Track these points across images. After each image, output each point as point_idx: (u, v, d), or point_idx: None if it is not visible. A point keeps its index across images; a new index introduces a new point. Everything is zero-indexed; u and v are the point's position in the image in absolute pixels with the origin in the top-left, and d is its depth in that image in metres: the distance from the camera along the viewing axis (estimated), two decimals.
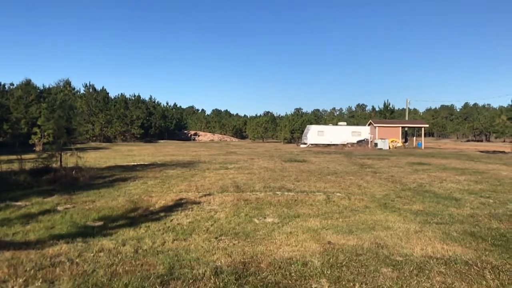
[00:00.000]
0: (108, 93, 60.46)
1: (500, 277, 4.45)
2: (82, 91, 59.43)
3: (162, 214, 7.69)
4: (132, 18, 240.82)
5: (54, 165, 12.79)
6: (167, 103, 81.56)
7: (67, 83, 56.76)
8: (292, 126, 62.21)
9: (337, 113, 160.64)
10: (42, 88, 46.28)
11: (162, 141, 61.27)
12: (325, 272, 4.52)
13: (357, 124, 70.24)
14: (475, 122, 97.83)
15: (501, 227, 6.92)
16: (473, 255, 5.26)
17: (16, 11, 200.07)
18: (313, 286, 4.14)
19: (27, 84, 41.58)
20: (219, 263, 4.76)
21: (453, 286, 4.18)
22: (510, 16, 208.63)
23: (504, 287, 4.16)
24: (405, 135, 51.53)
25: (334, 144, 44.00)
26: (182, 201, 8.95)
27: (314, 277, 4.38)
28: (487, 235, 6.33)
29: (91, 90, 59.59)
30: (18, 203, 8.53)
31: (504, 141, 76.70)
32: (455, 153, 33.28)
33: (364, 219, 7.45)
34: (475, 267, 4.77)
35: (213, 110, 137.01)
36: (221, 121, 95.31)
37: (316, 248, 5.48)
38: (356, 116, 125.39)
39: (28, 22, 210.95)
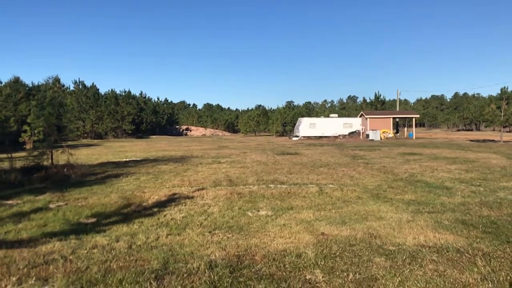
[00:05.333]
0: (98, 90, 59.79)
1: (491, 263, 4.51)
2: (71, 88, 58.64)
3: (155, 209, 7.68)
4: (121, 14, 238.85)
5: (45, 163, 12.68)
6: (158, 98, 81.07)
7: (56, 80, 55.93)
8: (284, 119, 62.24)
9: (329, 105, 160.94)
10: (31, 85, 45.64)
11: (153, 136, 60.97)
12: (319, 263, 4.55)
13: (349, 116, 70.36)
14: (465, 111, 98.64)
15: (491, 214, 7.01)
16: (464, 242, 5.32)
17: (2, 8, 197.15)
18: (307, 277, 4.17)
19: (16, 81, 41.04)
20: (213, 257, 4.77)
21: (445, 273, 4.24)
22: (498, 6, 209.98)
23: (495, 273, 4.22)
24: (396, 126, 51.74)
25: (326, 136, 44.15)
26: (175, 196, 8.93)
27: (308, 268, 4.40)
28: (478, 222, 6.41)
29: (81, 86, 58.86)
30: (9, 202, 8.45)
31: (493, 130, 77.50)
32: (446, 142, 33.56)
33: (356, 210, 7.50)
34: (466, 254, 4.83)
35: (204, 105, 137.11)
36: (212, 115, 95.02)
37: (310, 240, 5.51)
38: (347, 108, 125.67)
39: (15, 19, 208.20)
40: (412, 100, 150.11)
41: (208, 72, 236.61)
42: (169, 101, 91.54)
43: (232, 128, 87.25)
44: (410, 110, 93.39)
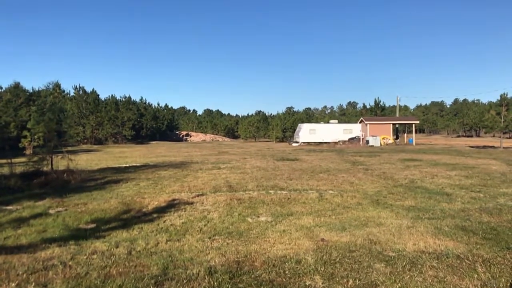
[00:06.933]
0: (98, 95, 59.81)
1: (491, 270, 4.50)
2: (72, 94, 58.72)
3: (155, 215, 7.67)
4: (122, 20, 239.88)
5: (45, 169, 12.68)
6: (158, 104, 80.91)
7: (57, 85, 55.95)
8: (284, 125, 62.27)
9: (328, 111, 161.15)
10: (31, 91, 45.72)
11: (153, 142, 60.95)
12: (319, 269, 4.54)
13: (348, 122, 70.30)
14: (465, 117, 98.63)
15: (491, 221, 7.00)
16: (464, 249, 5.31)
17: (3, 13, 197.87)
18: (307, 283, 4.16)
19: (16, 87, 41.10)
20: (213, 263, 4.76)
21: (445, 279, 4.23)
22: (498, 12, 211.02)
23: (495, 280, 4.21)
24: (396, 132, 51.75)
25: (326, 142, 44.16)
26: (175, 202, 8.92)
27: (308, 274, 4.39)
28: (478, 229, 6.40)
29: (81, 92, 58.91)
30: (9, 207, 8.45)
31: (493, 136, 77.53)
32: (446, 148, 33.57)
33: (356, 215, 7.50)
34: (466, 260, 4.82)
35: (204, 110, 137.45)
36: (212, 121, 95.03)
37: (310, 246, 5.50)
38: (347, 114, 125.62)
39: (16, 24, 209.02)
40: (412, 106, 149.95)
41: (208, 78, 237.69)
42: (169, 106, 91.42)
43: (232, 133, 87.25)
44: (410, 116, 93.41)
